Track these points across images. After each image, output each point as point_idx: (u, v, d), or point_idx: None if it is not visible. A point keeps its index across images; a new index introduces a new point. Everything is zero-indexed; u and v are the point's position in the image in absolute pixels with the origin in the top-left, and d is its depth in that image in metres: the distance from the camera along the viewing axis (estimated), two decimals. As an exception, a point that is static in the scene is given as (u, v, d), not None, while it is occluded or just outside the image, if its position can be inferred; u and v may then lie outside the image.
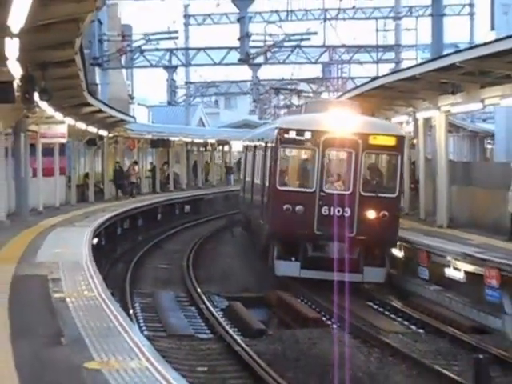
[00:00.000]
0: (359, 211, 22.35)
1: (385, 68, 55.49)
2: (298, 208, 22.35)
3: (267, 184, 24.22)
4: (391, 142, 22.80)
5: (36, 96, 20.33)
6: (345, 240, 21.67)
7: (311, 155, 22.95)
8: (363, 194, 22.53)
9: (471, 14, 53.42)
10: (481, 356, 12.92)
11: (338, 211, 22.19)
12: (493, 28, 40.89)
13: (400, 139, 23.26)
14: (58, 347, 9.88)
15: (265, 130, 28.85)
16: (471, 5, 53.33)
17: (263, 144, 26.90)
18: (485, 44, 23.63)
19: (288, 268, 22.56)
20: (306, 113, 24.90)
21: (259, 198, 26.58)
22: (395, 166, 23.10)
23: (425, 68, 25.91)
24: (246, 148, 36.71)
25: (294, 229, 22.21)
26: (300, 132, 22.63)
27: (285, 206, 22.40)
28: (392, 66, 54.95)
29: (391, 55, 58.68)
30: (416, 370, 15.27)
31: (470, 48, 26.60)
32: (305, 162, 23.65)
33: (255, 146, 30.86)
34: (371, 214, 22.38)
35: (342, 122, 22.69)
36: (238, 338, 17.53)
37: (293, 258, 22.58)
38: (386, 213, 22.47)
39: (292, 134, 22.67)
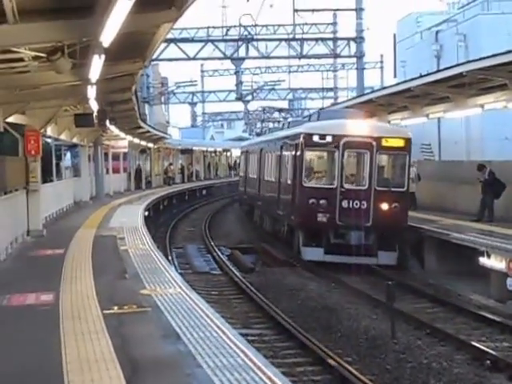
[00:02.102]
0: (374, 204, 17.42)
1: (327, 102, 55.53)
2: (322, 202, 17.46)
3: (289, 181, 19.23)
4: (400, 143, 17.76)
5: (107, 122, 20.26)
6: (362, 229, 17.26)
7: (332, 156, 17.89)
8: (377, 188, 17.57)
9: (381, 68, 53.31)
10: (390, 282, 12.80)
11: (356, 204, 17.39)
12: (395, 76, 40.74)
13: (408, 141, 17.88)
14: (123, 280, 9.88)
15: (280, 137, 22.44)
16: (381, 61, 53.28)
17: (277, 148, 21.65)
18: (390, 86, 23.65)
19: (313, 253, 17.61)
20: (321, 120, 19.33)
21: (273, 193, 21.56)
22: (404, 164, 17.93)
23: (353, 102, 25.90)
24: (247, 152, 30.87)
25: (319, 220, 17.42)
26: (323, 136, 17.63)
27: (310, 200, 17.52)
28: (332, 100, 55.05)
29: (331, 94, 58.76)
30: (347, 291, 15.08)
31: (381, 89, 26.60)
32: (327, 162, 18.55)
33: (261, 150, 25.54)
34: (384, 206, 17.45)
35: (358, 127, 17.92)
36: (237, 273, 17.45)
37: (313, 244, 17.84)
38: (397, 204, 17.47)
39: (315, 138, 17.68)
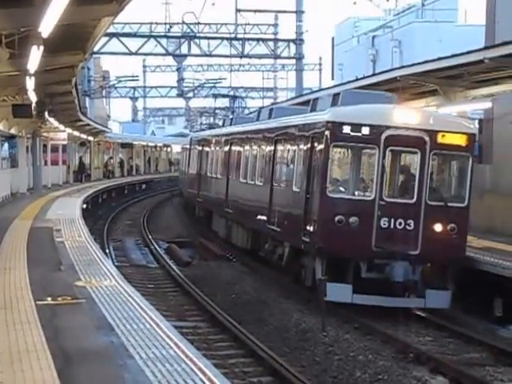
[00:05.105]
0: (424, 224, 12.23)
1: (267, 101, 55.94)
2: (353, 219, 12.16)
3: (296, 188, 13.94)
4: (461, 141, 12.50)
5: (46, 114, 19.89)
6: (407, 258, 12.05)
7: (369, 155, 12.80)
8: (429, 203, 12.35)
9: (320, 70, 54.02)
10: (322, 278, 12.76)
11: (400, 224, 12.19)
12: (333, 78, 41.33)
13: (471, 138, 12.63)
14: (58, 272, 9.72)
15: (274, 127, 16.47)
16: (320, 64, 53.99)
17: (268, 141, 16.44)
18: (327, 88, 23.94)
19: (338, 291, 12.05)
20: (342, 105, 13.22)
21: (259, 201, 16.43)
22: (465, 170, 12.72)
23: (292, 101, 26.15)
24: (202, 145, 25.61)
25: (347, 244, 12.08)
26: (356, 127, 12.18)
27: (337, 217, 12.16)
28: (272, 100, 55.42)
29: (271, 94, 59.21)
30: (280, 286, 15.12)
31: (318, 90, 26.91)
32: (361, 163, 13.12)
33: (231, 144, 20.36)
34: (438, 227, 12.31)
35: (405, 115, 12.50)
36: (174, 267, 17.35)
37: (337, 278, 12.23)
38: (455, 225, 12.34)
39: (346, 130, 12.20)
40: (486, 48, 14.49)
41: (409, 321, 12.31)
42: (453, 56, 14.46)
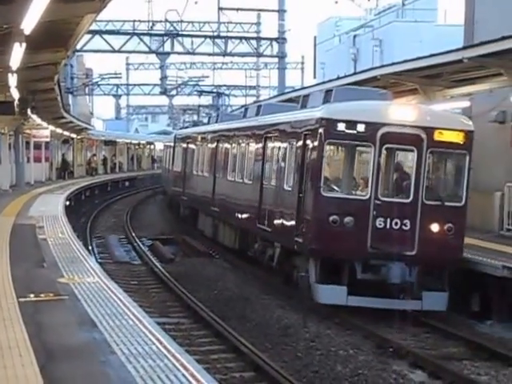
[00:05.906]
0: (421, 224, 11.80)
1: (250, 99, 55.97)
2: (347, 219, 11.68)
3: (287, 187, 13.34)
4: (459, 138, 12.07)
5: (29, 111, 19.74)
6: (404, 259, 11.63)
7: (365, 153, 12.40)
8: (426, 202, 11.91)
9: (302, 68, 54.09)
10: (303, 274, 12.76)
11: (396, 224, 11.74)
12: (315, 77, 41.40)
13: (468, 135, 12.17)
14: (41, 269, 9.63)
15: (265, 124, 15.79)
16: (302, 63, 54.04)
17: (257, 138, 15.84)
18: (309, 86, 24.00)
19: (333, 294, 11.74)
20: (336, 101, 12.67)
21: (248, 200, 15.91)
22: (462, 168, 12.27)
23: (276, 99, 26.22)
24: (187, 143, 24.97)
25: (342, 245, 11.65)
26: (351, 124, 11.65)
27: (331, 217, 11.66)
28: (254, 98, 55.50)
29: (254, 92, 59.25)
30: (262, 283, 15.16)
31: (301, 89, 26.98)
32: (356, 161, 12.80)
33: (218, 141, 19.92)
34: (434, 227, 11.88)
35: (400, 112, 12.02)
36: (157, 264, 17.31)
37: (332, 280, 11.89)
38: (451, 225, 11.93)
39: (341, 127, 11.66)
40: (464, 48, 14.59)
41: (388, 316, 12.37)
42: (432, 55, 14.55)
